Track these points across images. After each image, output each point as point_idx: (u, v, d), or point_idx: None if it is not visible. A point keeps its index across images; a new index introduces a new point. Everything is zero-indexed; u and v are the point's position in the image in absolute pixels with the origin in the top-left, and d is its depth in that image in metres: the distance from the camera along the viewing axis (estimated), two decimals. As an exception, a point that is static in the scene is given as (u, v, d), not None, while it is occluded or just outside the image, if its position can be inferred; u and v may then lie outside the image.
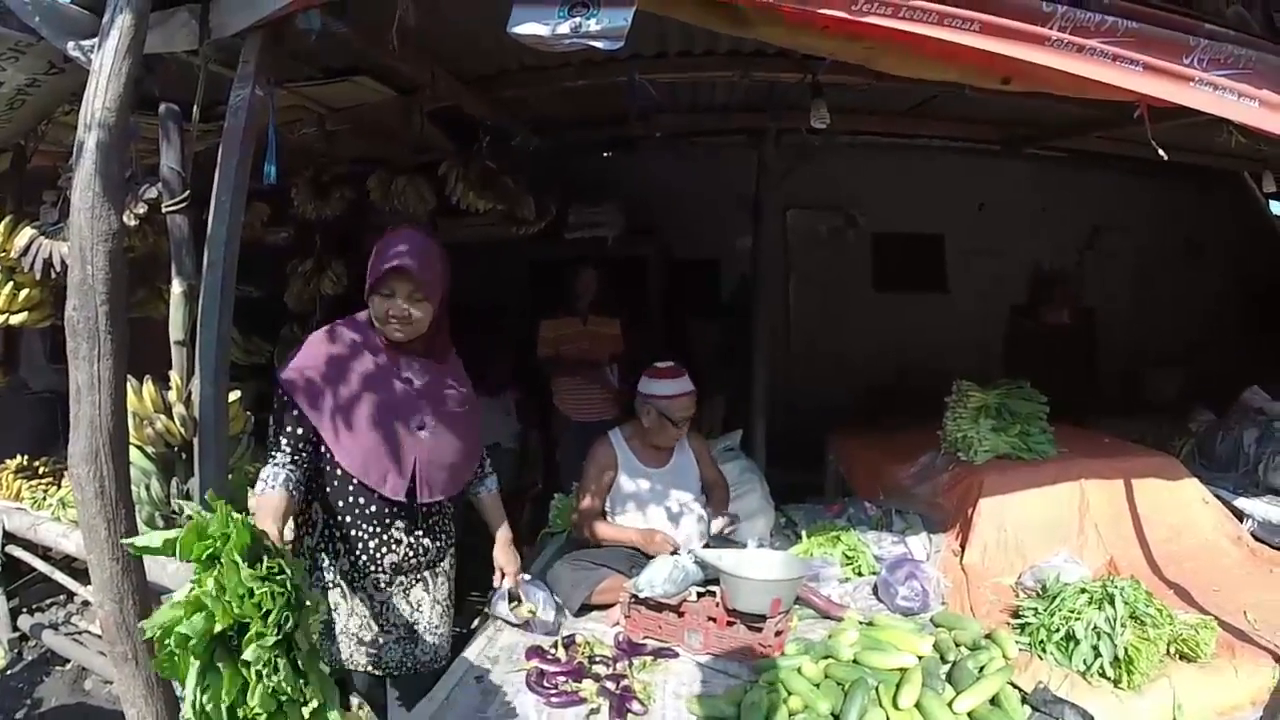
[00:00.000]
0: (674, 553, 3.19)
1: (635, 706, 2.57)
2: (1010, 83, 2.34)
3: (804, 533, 3.69)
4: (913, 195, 6.21)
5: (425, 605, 2.57)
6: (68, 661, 4.04)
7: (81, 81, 2.14)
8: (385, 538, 2.41)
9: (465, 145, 4.77)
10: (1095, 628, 2.61)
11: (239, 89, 2.31)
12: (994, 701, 2.37)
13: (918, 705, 2.37)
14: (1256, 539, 3.62)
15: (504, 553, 2.82)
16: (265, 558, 1.68)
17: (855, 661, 2.60)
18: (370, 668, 2.50)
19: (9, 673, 3.96)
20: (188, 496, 2.96)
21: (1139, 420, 4.71)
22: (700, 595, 2.97)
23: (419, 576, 2.54)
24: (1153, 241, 6.24)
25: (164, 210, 2.61)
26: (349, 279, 5.39)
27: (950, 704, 2.35)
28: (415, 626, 2.54)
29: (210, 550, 1.64)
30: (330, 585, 2.44)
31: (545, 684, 2.66)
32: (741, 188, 5.31)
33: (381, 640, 2.50)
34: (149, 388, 3.00)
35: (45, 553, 4.11)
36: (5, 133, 3.36)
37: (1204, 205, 5.92)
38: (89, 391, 2.00)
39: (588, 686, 2.65)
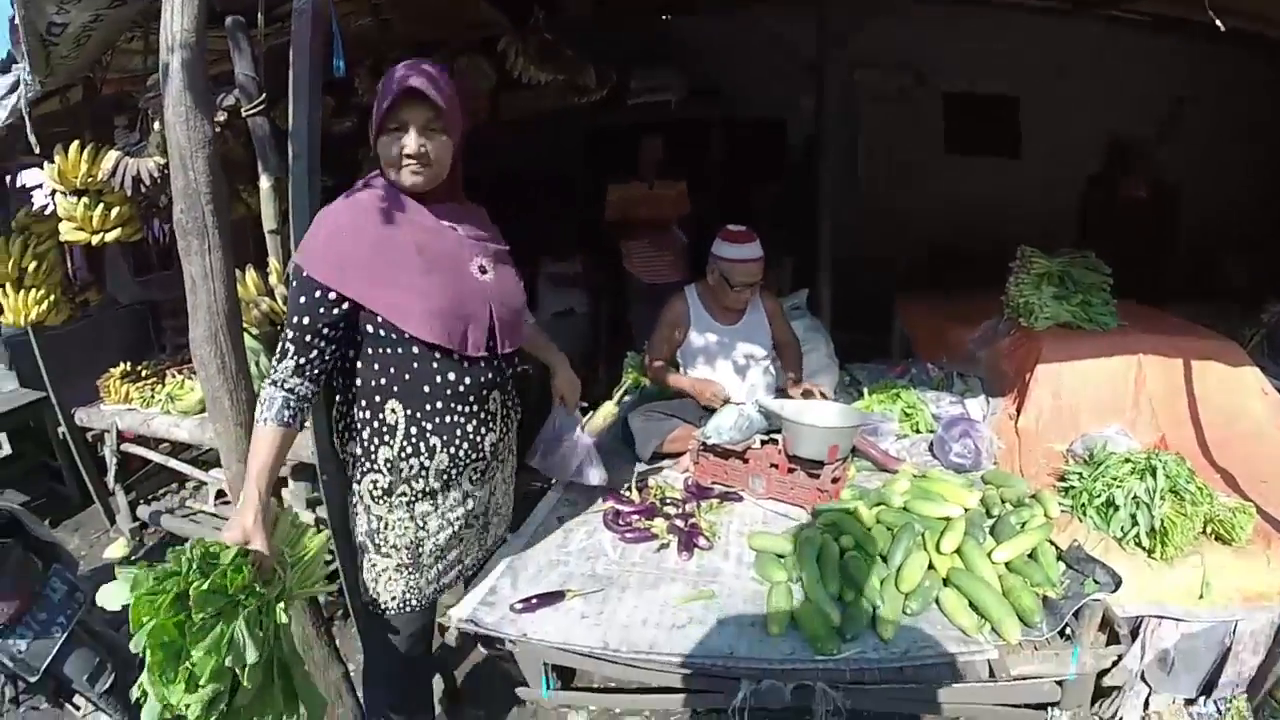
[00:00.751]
0: (726, 401, 3.45)
1: (701, 542, 2.92)
2: None
3: (866, 390, 3.91)
4: (987, 56, 5.95)
5: (500, 486, 2.41)
6: (185, 540, 4.49)
7: (139, 9, 2.47)
8: (484, 415, 2.16)
9: (521, 19, 4.77)
10: (1135, 497, 2.74)
11: (300, -9, 2.49)
12: (1031, 555, 2.60)
13: (959, 551, 2.63)
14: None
15: (566, 379, 2.75)
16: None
17: (905, 509, 2.87)
18: (450, 583, 2.37)
19: (133, 559, 4.35)
20: None
21: (1210, 305, 4.63)
22: (764, 443, 3.25)
23: (503, 457, 2.35)
24: (1238, 118, 5.88)
25: (244, 114, 2.76)
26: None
27: (989, 553, 2.60)
28: (490, 514, 2.41)
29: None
30: (416, 498, 2.15)
31: (620, 522, 3.02)
32: (807, 47, 5.21)
33: (464, 543, 2.33)
34: (250, 274, 3.34)
35: (156, 446, 4.48)
36: (74, 68, 3.49)
37: None
38: (204, 282, 2.26)
39: (659, 525, 3.01)
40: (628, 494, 3.22)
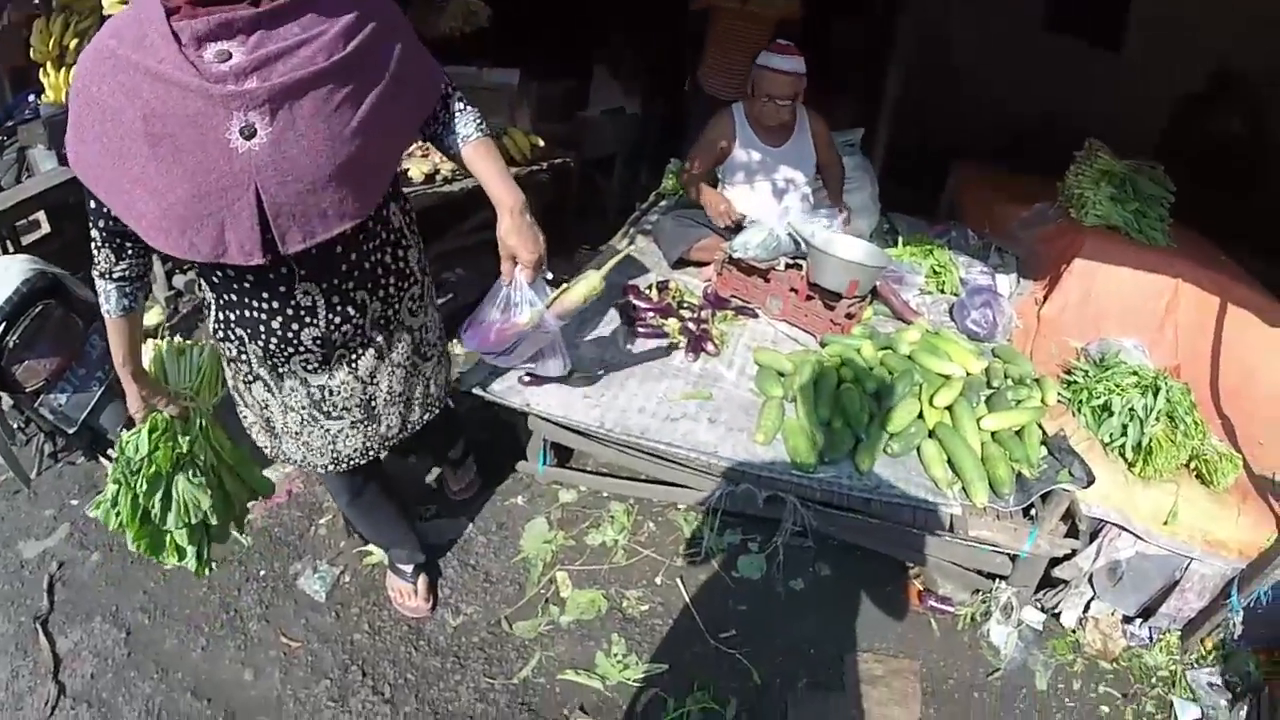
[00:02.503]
0: (739, 225, 3.49)
1: (709, 348, 3.05)
2: None
3: (902, 240, 3.94)
4: None
5: (383, 376, 1.98)
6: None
7: None
8: (292, 310, 1.71)
9: None
10: (1131, 409, 2.80)
11: None
12: (1018, 433, 2.73)
13: (950, 409, 2.76)
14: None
15: (514, 230, 1.91)
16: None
17: (909, 358, 2.98)
18: (329, 466, 2.08)
19: (169, 324, 4.42)
20: None
21: (1269, 264, 4.48)
22: (787, 266, 3.31)
23: (363, 342, 1.89)
24: None
25: None
26: None
27: (979, 420, 2.73)
28: (373, 404, 2.01)
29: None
30: (249, 380, 1.94)
31: (635, 317, 3.12)
32: None
33: (333, 429, 2.01)
34: None
35: None
36: None
37: None
38: None
39: (671, 324, 3.12)
40: (647, 291, 3.31)
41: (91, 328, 2.88)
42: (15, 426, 3.07)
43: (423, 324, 2.04)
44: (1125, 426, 2.81)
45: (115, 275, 1.70)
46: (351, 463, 2.09)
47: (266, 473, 2.48)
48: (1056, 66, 5.77)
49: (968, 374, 2.92)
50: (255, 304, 1.70)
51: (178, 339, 2.07)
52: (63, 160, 4.72)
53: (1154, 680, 2.64)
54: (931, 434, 2.70)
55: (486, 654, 2.57)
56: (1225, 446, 2.91)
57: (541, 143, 4.84)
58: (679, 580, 2.80)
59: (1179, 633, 2.77)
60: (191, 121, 1.38)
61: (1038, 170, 4.34)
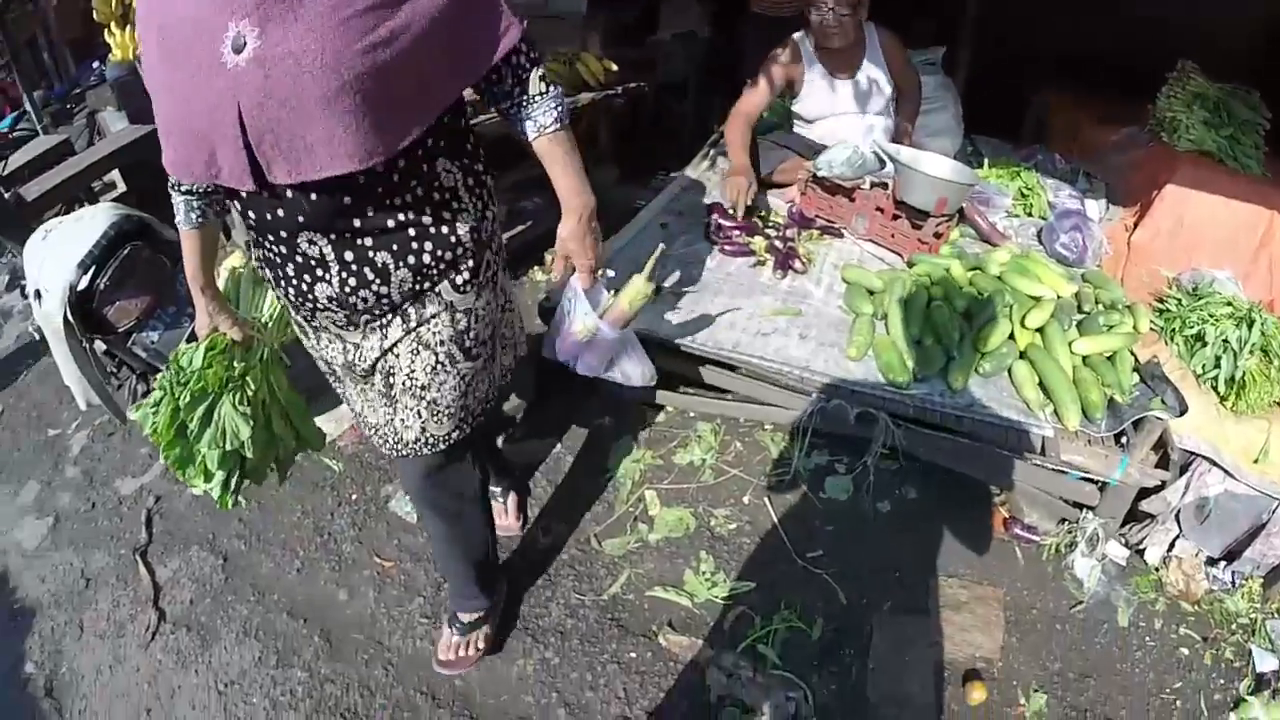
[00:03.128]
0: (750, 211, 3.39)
1: (797, 265, 3.04)
2: None
3: (987, 163, 3.86)
4: None
5: (405, 350, 1.71)
6: None
7: None
8: (300, 260, 1.57)
9: None
10: (1225, 340, 2.75)
11: None
12: (1110, 359, 2.70)
13: (1041, 331, 2.74)
14: None
15: (574, 236, 1.79)
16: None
17: (999, 279, 2.95)
18: (370, 435, 1.94)
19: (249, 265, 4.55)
20: None
21: None
22: (873, 185, 3.27)
23: (391, 308, 1.65)
24: None
25: None
26: None
27: (1071, 343, 2.70)
28: (391, 379, 1.77)
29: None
30: (297, 324, 1.86)
31: (720, 235, 3.10)
32: None
33: (362, 397, 1.88)
34: None
35: None
36: None
37: None
38: None
39: (758, 242, 3.11)
40: (732, 210, 3.28)
41: (179, 266, 2.92)
42: (109, 370, 3.16)
43: (472, 309, 1.72)
44: (1219, 358, 2.76)
45: (182, 189, 1.68)
46: (384, 445, 1.89)
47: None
48: None
49: (1059, 297, 2.89)
50: (268, 244, 1.58)
51: (254, 265, 1.93)
52: (133, 119, 4.86)
53: (1234, 627, 2.60)
54: (1023, 355, 2.68)
55: (576, 570, 2.63)
56: None
57: (615, 67, 4.78)
58: (766, 500, 2.83)
59: (1262, 580, 2.72)
60: (192, 31, 1.30)
61: (1124, 91, 4.19)
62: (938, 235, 3.13)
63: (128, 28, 4.11)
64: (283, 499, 2.63)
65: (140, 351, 2.95)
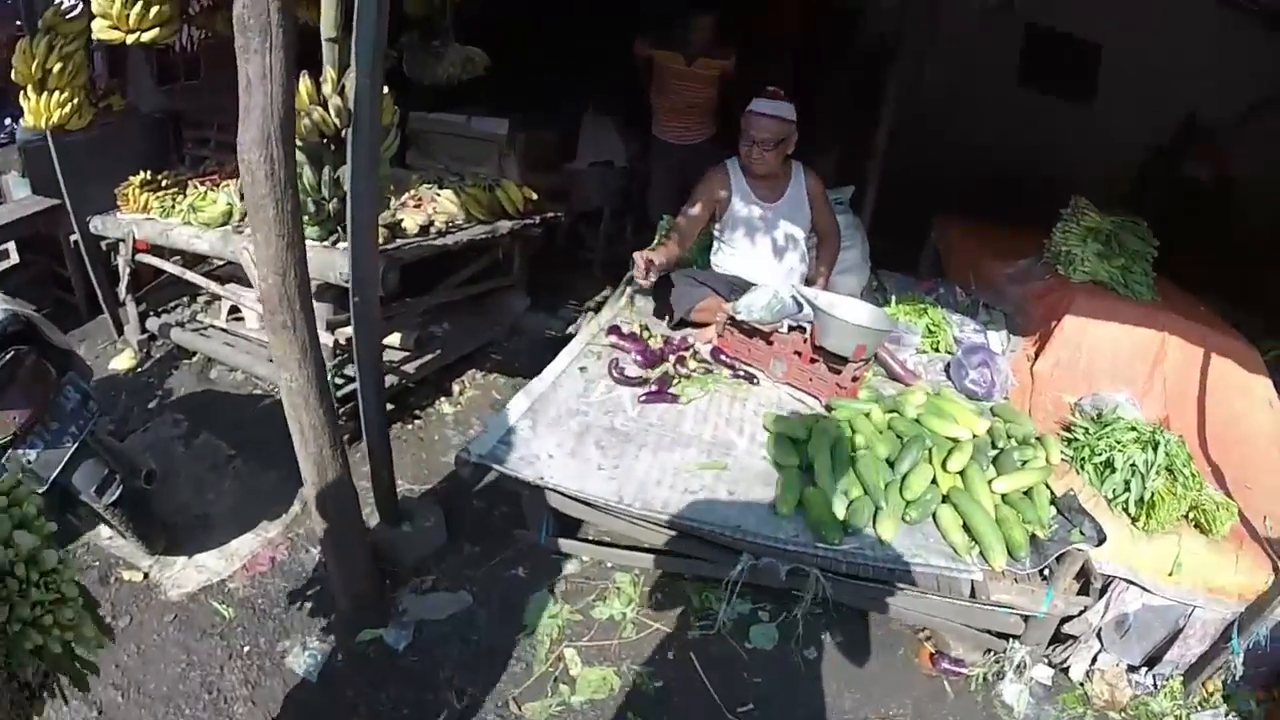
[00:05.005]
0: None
1: (670, 392, 3.20)
2: None
3: (894, 298, 4.06)
4: None
5: None
6: (194, 355, 4.58)
7: None
8: None
9: None
10: (1133, 464, 2.94)
11: None
12: (1027, 493, 2.82)
13: (961, 473, 2.85)
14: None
15: None
16: None
17: (917, 421, 3.06)
18: None
19: (139, 370, 4.47)
20: (338, 184, 3.46)
21: (1242, 311, 4.59)
22: (791, 329, 3.40)
23: None
24: None
25: None
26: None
27: (990, 482, 2.82)
28: None
29: None
30: None
31: (618, 371, 3.27)
32: None
33: None
34: (304, 81, 3.23)
35: (169, 257, 4.51)
36: None
37: None
38: (260, 82, 2.15)
39: (656, 374, 3.26)
40: (646, 334, 3.45)
41: (66, 377, 2.74)
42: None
43: None
44: (1128, 482, 2.94)
45: None
46: None
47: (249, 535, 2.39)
48: (1031, 120, 6.10)
49: (974, 436, 3.01)
50: None
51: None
52: (37, 189, 4.76)
53: (1161, 726, 2.67)
54: (945, 499, 2.78)
55: (495, 738, 2.55)
56: (1220, 494, 3.05)
57: (534, 196, 4.91)
58: (691, 655, 2.83)
59: (1182, 678, 2.90)
60: None
61: (1017, 221, 4.52)
62: (855, 379, 3.26)
63: (45, 94, 4.04)
64: (165, 644, 2.45)
65: (15, 471, 2.59)
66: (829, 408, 3.19)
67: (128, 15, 3.66)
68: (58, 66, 3.98)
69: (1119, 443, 3.07)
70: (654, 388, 3.21)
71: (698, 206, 3.77)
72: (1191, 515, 2.96)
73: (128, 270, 4.42)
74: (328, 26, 2.98)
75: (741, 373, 3.43)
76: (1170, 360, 3.64)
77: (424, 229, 4.23)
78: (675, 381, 3.28)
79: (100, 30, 3.74)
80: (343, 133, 3.24)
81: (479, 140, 5.69)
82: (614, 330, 3.55)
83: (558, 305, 5.31)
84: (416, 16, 5.46)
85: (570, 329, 4.80)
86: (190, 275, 4.46)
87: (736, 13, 5.43)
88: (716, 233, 3.89)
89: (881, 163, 5.19)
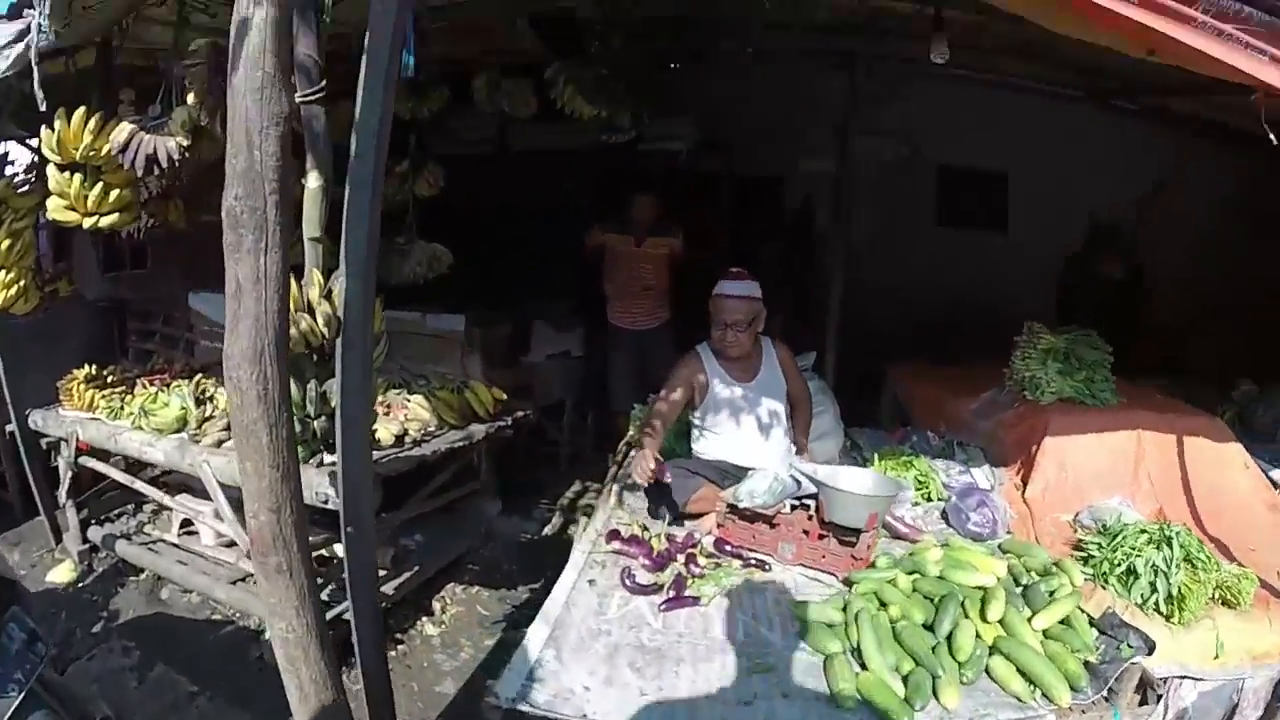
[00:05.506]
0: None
1: (687, 593, 3.12)
2: (1154, 54, 2.68)
3: (875, 456, 4.15)
4: (979, 131, 6.46)
5: None
6: (142, 571, 4.29)
7: None
8: None
9: (560, 51, 4.99)
10: (1154, 566, 3.04)
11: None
12: (1064, 622, 2.83)
13: (1001, 620, 2.84)
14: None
15: None
16: None
17: (941, 578, 3.07)
18: None
19: (80, 585, 4.20)
20: (325, 400, 3.22)
21: (1179, 383, 5.06)
22: (793, 508, 3.43)
23: None
24: (1214, 203, 6.50)
25: (299, 100, 2.60)
26: (444, 181, 5.60)
27: (1029, 620, 2.82)
28: None
29: None
30: None
31: (631, 580, 3.19)
32: (813, 108, 5.66)
33: None
34: (290, 285, 3.02)
35: (110, 459, 4.30)
36: (95, 24, 3.34)
37: (1267, 179, 6.14)
38: (253, 287, 2.00)
39: (666, 576, 3.21)
40: (647, 535, 3.43)
41: (9, 613, 2.44)
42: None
43: None
44: (1153, 584, 3.03)
45: None
46: None
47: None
48: (957, 256, 6.62)
49: (997, 579, 3.04)
50: None
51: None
52: None
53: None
54: (993, 649, 2.75)
55: None
56: (1234, 567, 3.16)
57: (504, 396, 4.90)
58: None
59: None
60: None
61: (968, 356, 4.74)
62: (869, 547, 3.27)
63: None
64: None
65: None
66: (848, 582, 3.17)
67: (86, 196, 3.54)
68: (6, 244, 3.83)
69: (1134, 548, 3.15)
70: (671, 593, 3.13)
71: (678, 393, 3.85)
72: (1217, 595, 3.05)
73: (69, 473, 4.17)
74: (310, 225, 2.79)
75: (752, 560, 3.39)
76: (1149, 455, 3.80)
77: (399, 439, 4.15)
78: (690, 582, 3.21)
79: (55, 210, 3.60)
80: (329, 343, 2.95)
81: (436, 338, 5.73)
82: (614, 535, 3.48)
83: (529, 506, 5.25)
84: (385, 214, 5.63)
85: (547, 530, 4.88)
86: (139, 484, 4.23)
87: (673, 196, 5.86)
88: (696, 419, 3.96)
89: (838, 320, 5.46)
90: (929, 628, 2.86)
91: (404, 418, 4.39)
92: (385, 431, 4.15)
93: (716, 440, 3.89)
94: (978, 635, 2.79)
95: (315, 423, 3.36)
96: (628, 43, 5.24)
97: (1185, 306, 6.46)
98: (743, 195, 7.28)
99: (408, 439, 4.24)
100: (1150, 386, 4.45)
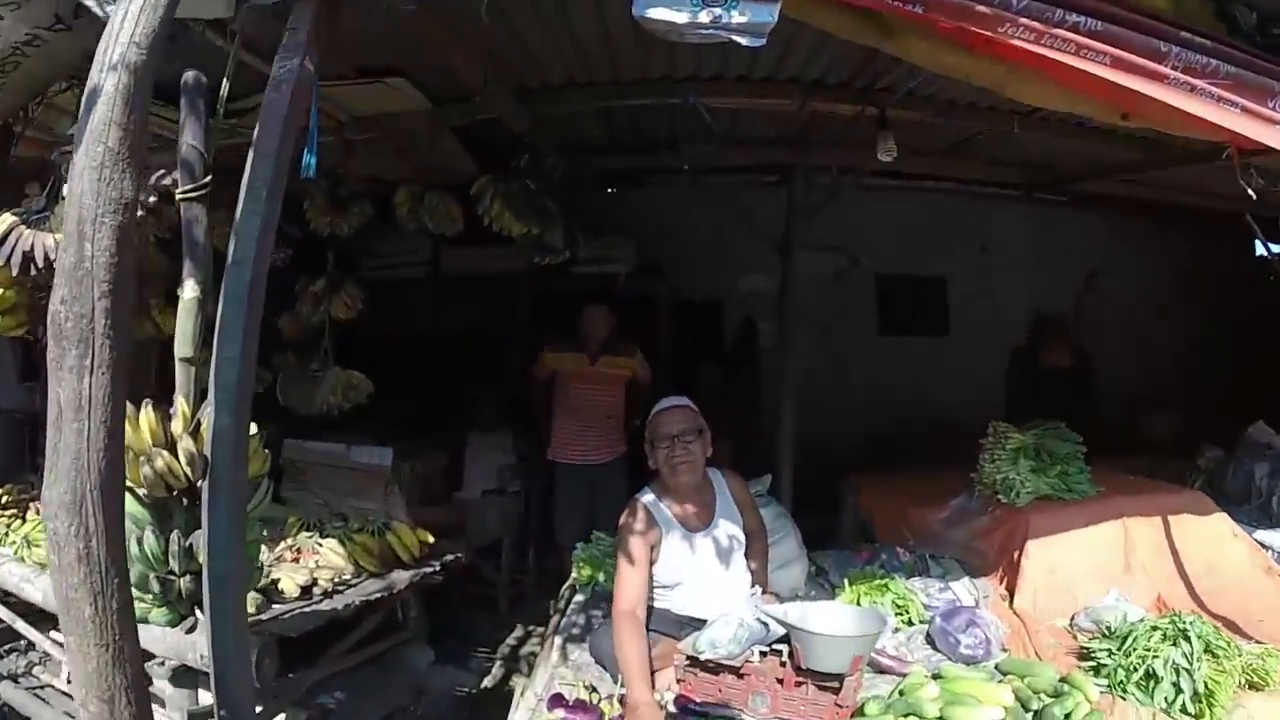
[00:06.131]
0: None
1: None
2: (1129, 119, 2.65)
3: (845, 582, 3.71)
4: (915, 237, 6.60)
5: None
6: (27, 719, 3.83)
7: (88, 48, 1.85)
8: None
9: (490, 167, 4.78)
10: (1174, 664, 2.74)
11: (284, 60, 2.12)
12: (1092, 745, 2.42)
13: (1026, 757, 2.41)
14: (1283, 569, 3.85)
15: None
16: None
17: (941, 718, 2.63)
18: None
19: None
20: (191, 554, 2.76)
21: (1138, 460, 4.96)
22: (763, 655, 2.96)
23: None
24: (1145, 285, 6.79)
25: (179, 197, 2.33)
26: (363, 302, 5.27)
27: (1059, 754, 2.39)
28: None
29: None
30: None
31: None
32: (751, 227, 5.53)
33: None
34: (147, 415, 2.66)
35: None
36: None
37: (1196, 253, 6.48)
38: (75, 415, 1.61)
39: None
40: (596, 698, 2.90)
41: None
42: None
43: None
44: (1176, 685, 2.73)
45: None
46: None
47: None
48: (902, 363, 6.64)
49: (1004, 710, 2.64)
50: None
51: None
52: None
53: None
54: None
55: None
56: (1253, 645, 2.97)
57: (431, 539, 4.42)
58: None
59: None
60: None
61: (920, 463, 4.65)
62: (855, 689, 2.83)
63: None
64: None
65: None
66: None
67: None
68: None
69: (1149, 649, 2.84)
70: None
71: (638, 573, 3.23)
72: (1242, 680, 2.81)
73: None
74: (182, 343, 2.36)
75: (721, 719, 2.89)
76: (1139, 542, 3.63)
77: (306, 590, 3.68)
78: None
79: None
80: (197, 484, 2.49)
81: (361, 472, 5.27)
82: (558, 701, 2.89)
83: (465, 654, 4.72)
84: (291, 338, 5.18)
85: (487, 682, 4.38)
86: (20, 624, 3.80)
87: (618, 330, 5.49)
88: (655, 579, 3.36)
89: (792, 439, 5.18)
90: (942, 780, 2.41)
91: (314, 564, 3.91)
92: (289, 582, 3.68)
93: (671, 594, 3.39)
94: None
95: (180, 581, 2.89)
96: (560, 157, 5.12)
97: (1130, 388, 6.53)
98: (682, 319, 7.08)
99: (317, 589, 3.76)
100: (1119, 470, 4.27)
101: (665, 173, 5.67)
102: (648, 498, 3.36)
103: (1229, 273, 6.49)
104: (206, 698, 2.99)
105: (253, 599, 3.35)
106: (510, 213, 4.78)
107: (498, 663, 4.19)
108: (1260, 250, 6.16)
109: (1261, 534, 4.06)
